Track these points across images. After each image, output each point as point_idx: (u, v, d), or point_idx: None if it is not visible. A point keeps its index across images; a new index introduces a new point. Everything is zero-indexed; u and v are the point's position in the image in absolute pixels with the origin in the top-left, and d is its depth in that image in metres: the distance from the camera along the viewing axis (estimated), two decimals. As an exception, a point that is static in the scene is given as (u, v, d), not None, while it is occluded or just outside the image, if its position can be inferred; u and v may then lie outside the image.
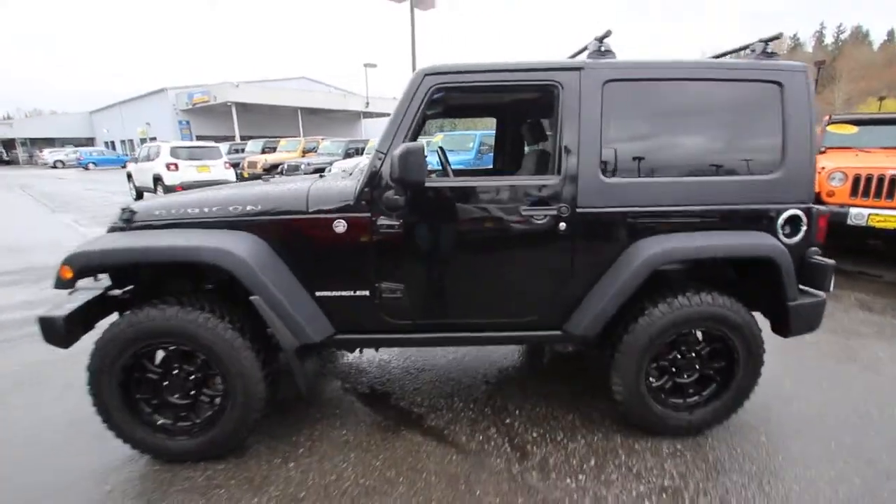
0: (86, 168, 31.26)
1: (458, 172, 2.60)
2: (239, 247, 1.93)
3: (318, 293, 2.10)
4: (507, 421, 2.42)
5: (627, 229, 2.11)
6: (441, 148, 2.58)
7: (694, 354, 2.25)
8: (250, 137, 22.07)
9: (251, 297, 1.91)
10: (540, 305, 2.20)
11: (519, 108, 3.15)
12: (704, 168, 2.14)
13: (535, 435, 2.30)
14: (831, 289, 2.27)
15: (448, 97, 2.39)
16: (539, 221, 2.07)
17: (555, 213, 2.06)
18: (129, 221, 2.14)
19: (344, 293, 2.10)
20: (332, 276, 2.10)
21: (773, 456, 2.18)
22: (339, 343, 2.17)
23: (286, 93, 31.11)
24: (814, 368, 3.02)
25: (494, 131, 3.71)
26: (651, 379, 2.24)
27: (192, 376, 2.04)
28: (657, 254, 2.03)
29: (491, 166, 3.79)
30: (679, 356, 2.24)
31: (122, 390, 2.01)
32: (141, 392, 2.06)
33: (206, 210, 2.08)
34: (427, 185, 1.99)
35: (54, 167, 33.38)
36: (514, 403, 2.58)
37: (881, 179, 4.88)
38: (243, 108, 29.41)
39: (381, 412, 2.51)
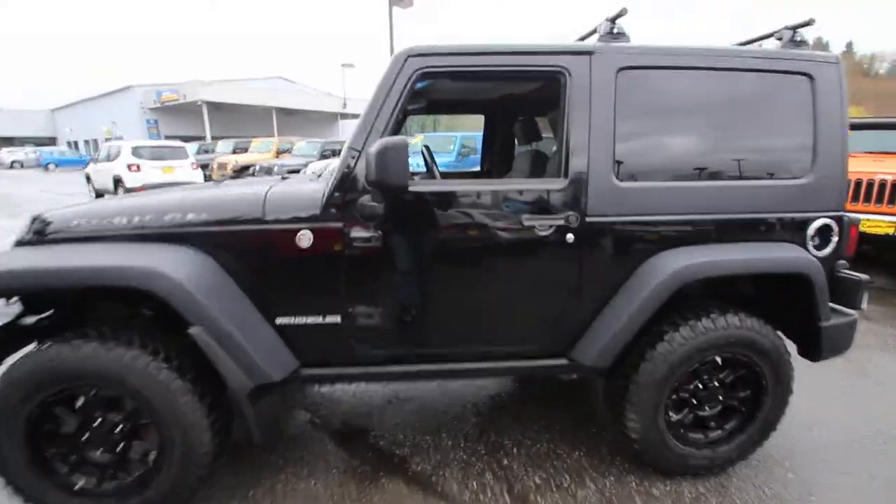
0: (46, 169, 29.67)
1: (442, 175, 2.28)
2: (176, 266, 1.54)
3: (278, 320, 1.73)
4: (505, 462, 2.09)
5: (644, 241, 1.82)
6: (426, 147, 2.25)
7: (717, 383, 1.97)
8: (222, 138, 21.26)
9: (190, 330, 1.53)
10: (542, 330, 1.88)
11: (512, 103, 2.84)
12: (729, 171, 1.87)
13: (537, 480, 1.97)
14: (864, 306, 2.03)
15: (434, 86, 2.06)
16: (543, 232, 1.75)
17: (561, 222, 1.75)
18: (40, 234, 1.73)
19: (310, 319, 1.74)
20: (295, 298, 1.73)
21: (804, 497, 1.92)
22: (305, 379, 1.80)
23: (260, 92, 30.23)
24: (825, 385, 2.80)
25: (479, 132, 3.39)
26: (670, 413, 1.95)
27: (119, 427, 1.64)
28: (682, 270, 1.74)
29: (473, 169, 3.48)
30: (700, 386, 1.96)
31: (30, 444, 1.60)
32: (55, 447, 1.65)
33: (136, 220, 1.69)
34: (411, 189, 1.65)
35: (11, 167, 31.60)
36: (510, 438, 2.25)
37: (870, 184, 4.78)
38: (215, 107, 28.40)
39: (357, 454, 2.14)
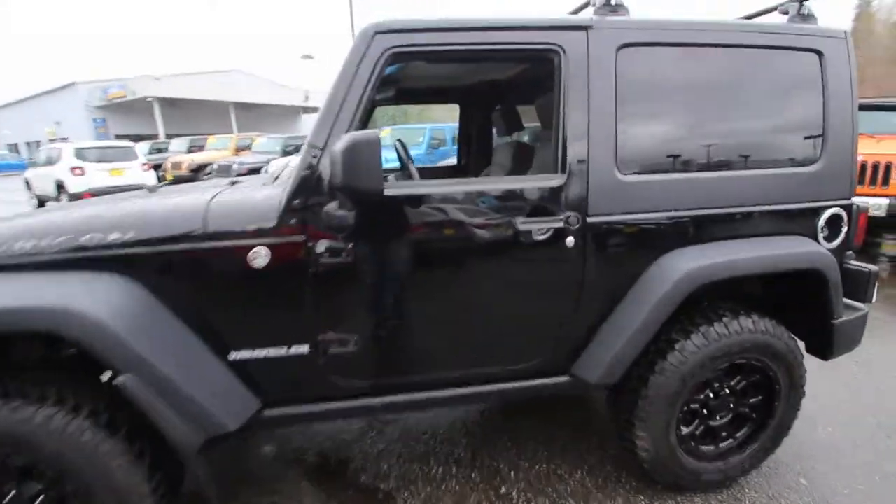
0: (-19, 174, 27.45)
1: (419, 171, 2.01)
2: (95, 300, 1.24)
3: (233, 355, 1.44)
4: (503, 490, 1.87)
5: (651, 241, 1.62)
6: (400, 141, 1.98)
7: (727, 390, 1.81)
8: (178, 136, 20.13)
9: (116, 381, 1.23)
10: (541, 345, 1.67)
11: (493, 89, 2.58)
12: (738, 160, 1.70)
13: (541, 511, 1.77)
14: (874, 299, 1.92)
15: (406, 70, 1.79)
16: (540, 237, 1.53)
17: (560, 224, 1.53)
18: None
19: (272, 352, 1.46)
20: (252, 328, 1.45)
21: (822, 504, 1.79)
22: (269, 422, 1.52)
23: (217, 86, 28.79)
24: (822, 377, 2.71)
25: (448, 123, 3.13)
26: (681, 427, 1.78)
27: (41, 498, 1.33)
28: (696, 272, 1.55)
29: (448, 162, 3.22)
30: (711, 395, 1.80)
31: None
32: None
33: (45, 243, 1.36)
34: (387, 192, 1.38)
35: (-58, 174, 29.10)
36: (506, 461, 2.04)
37: (863, 166, 4.73)
38: (168, 103, 26.89)
39: (337, 494, 1.88)
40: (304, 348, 1.47)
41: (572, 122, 1.52)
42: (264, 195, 1.45)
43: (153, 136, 23.82)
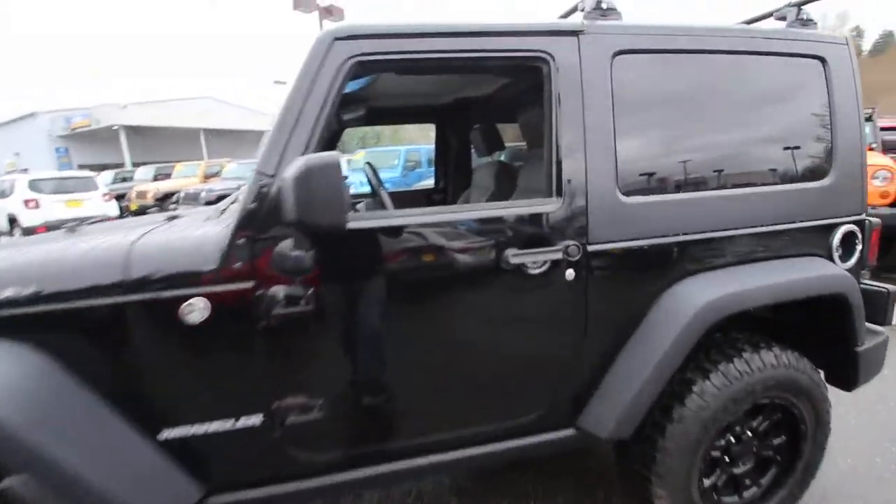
0: (-67, 209, 25.94)
1: (393, 196, 1.76)
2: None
3: (165, 434, 1.16)
4: (502, 566, 1.61)
5: (659, 270, 1.43)
6: (369, 164, 1.75)
7: (749, 432, 1.61)
8: (145, 163, 19.52)
9: (1, 486, 0.94)
10: (540, 395, 1.44)
11: (473, 104, 2.40)
12: (749, 175, 1.54)
13: (549, 591, 1.51)
14: (894, 321, 1.76)
15: (377, 86, 1.58)
16: (535, 270, 1.31)
17: (559, 255, 1.32)
18: None
19: (216, 426, 1.19)
20: (189, 399, 1.17)
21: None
22: (214, 513, 1.23)
23: (186, 113, 28.27)
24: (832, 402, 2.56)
25: (422, 144, 2.94)
26: (703, 479, 1.56)
27: None
28: (714, 303, 1.36)
29: (425, 184, 3.02)
30: (733, 440, 1.59)
31: None
32: None
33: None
34: (352, 226, 1.15)
35: None
36: (504, 525, 1.78)
37: None
38: (134, 131, 26.18)
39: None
40: (255, 419, 1.20)
41: (566, 138, 1.33)
42: (203, 233, 1.20)
43: (120, 165, 23.08)
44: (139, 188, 12.08)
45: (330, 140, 2.52)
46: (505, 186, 2.09)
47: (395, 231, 1.23)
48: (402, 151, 9.68)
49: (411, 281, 1.27)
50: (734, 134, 1.53)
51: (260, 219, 1.15)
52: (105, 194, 9.96)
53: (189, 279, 1.12)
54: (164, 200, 11.13)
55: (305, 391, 1.23)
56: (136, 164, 22.19)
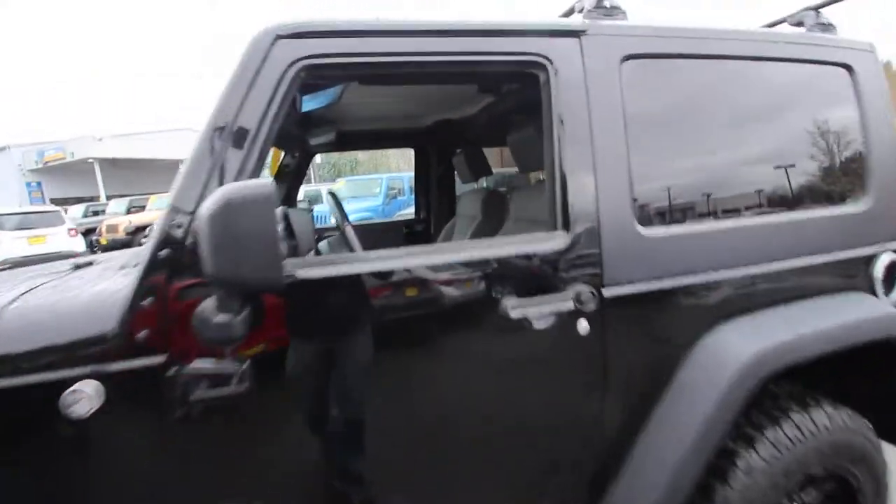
0: None
1: (369, 228, 1.49)
2: None
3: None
4: None
5: (690, 314, 1.17)
6: (332, 194, 1.48)
7: (800, 508, 1.33)
8: (122, 196, 18.97)
9: None
10: (553, 478, 1.14)
11: (454, 124, 2.16)
12: (783, 199, 1.31)
13: None
14: None
15: (344, 102, 1.32)
16: (542, 324, 1.04)
17: (569, 304, 1.04)
18: None
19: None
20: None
21: None
22: None
23: (164, 144, 27.85)
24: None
25: (404, 172, 2.70)
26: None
27: None
28: (763, 357, 1.10)
29: (406, 213, 2.76)
30: (782, 518, 1.30)
31: None
32: None
33: None
34: (301, 275, 0.86)
35: None
36: None
37: None
38: (111, 164, 25.62)
39: None
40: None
41: (570, 160, 1.08)
42: (101, 290, 0.90)
43: (95, 199, 22.45)
44: (109, 222, 11.57)
45: (297, 169, 2.25)
46: (494, 216, 1.85)
47: (357, 283, 0.95)
48: (384, 179, 9.51)
49: (382, 347, 0.98)
50: (754, 151, 1.31)
51: (173, 270, 0.86)
52: (71, 229, 9.49)
53: (73, 356, 0.82)
54: (136, 234, 10.65)
55: (237, 500, 0.91)
56: (109, 198, 21.61)
